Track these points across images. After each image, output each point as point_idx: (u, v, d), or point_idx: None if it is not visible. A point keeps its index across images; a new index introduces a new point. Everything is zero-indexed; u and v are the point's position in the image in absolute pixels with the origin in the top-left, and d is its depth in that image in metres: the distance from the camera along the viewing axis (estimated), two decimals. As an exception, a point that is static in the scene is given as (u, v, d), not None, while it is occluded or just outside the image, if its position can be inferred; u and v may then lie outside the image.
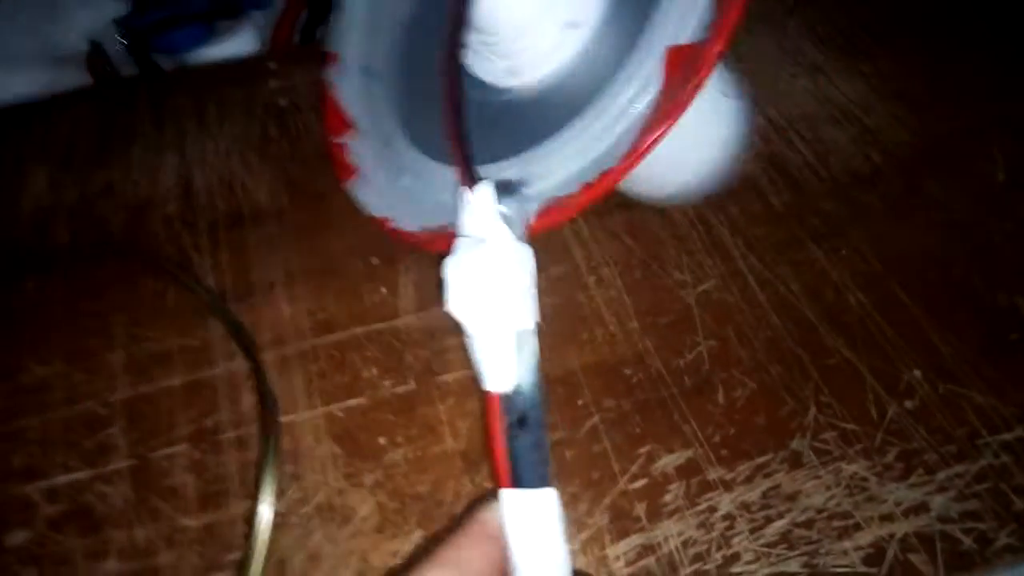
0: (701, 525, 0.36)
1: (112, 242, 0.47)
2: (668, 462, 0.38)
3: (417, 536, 0.36)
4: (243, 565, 0.34)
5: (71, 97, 0.57)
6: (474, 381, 0.40)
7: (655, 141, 0.32)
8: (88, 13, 0.72)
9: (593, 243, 0.46)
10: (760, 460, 0.37)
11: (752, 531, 0.35)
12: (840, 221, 0.47)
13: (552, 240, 0.46)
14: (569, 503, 0.36)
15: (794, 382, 0.40)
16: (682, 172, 0.43)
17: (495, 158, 0.37)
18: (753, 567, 0.34)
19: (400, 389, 0.40)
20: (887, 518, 0.36)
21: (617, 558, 0.35)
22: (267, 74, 0.58)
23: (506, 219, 0.28)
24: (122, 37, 0.68)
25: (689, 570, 0.34)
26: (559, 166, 0.35)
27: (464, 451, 0.38)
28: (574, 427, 0.39)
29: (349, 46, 0.46)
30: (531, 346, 0.28)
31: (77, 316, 0.43)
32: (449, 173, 0.38)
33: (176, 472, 0.38)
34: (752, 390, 0.40)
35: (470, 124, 0.32)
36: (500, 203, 0.28)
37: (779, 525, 0.36)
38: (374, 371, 0.41)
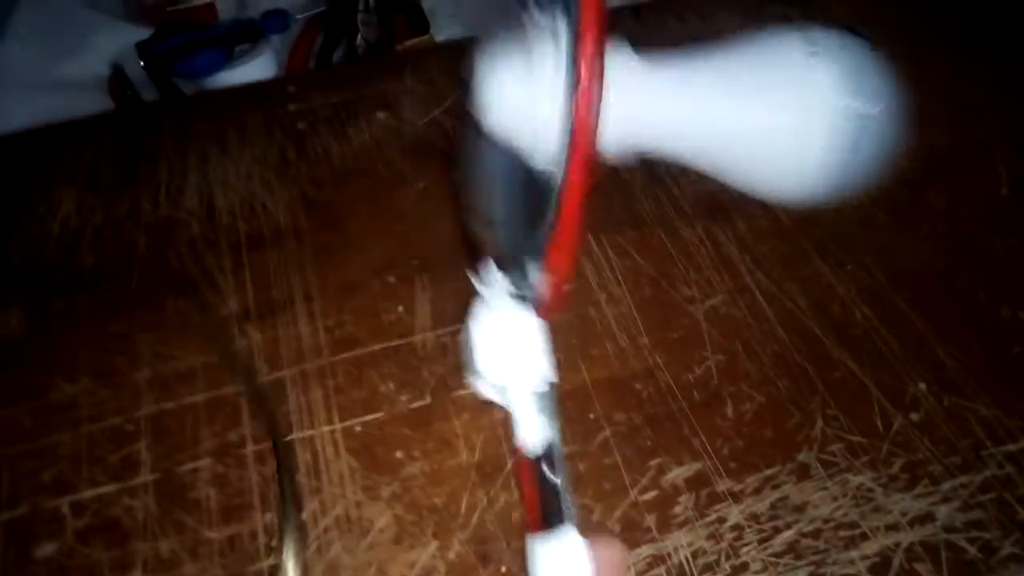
0: (710, 536, 0.36)
1: (137, 263, 0.48)
2: (678, 474, 0.38)
3: (433, 547, 0.37)
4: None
5: (97, 122, 0.59)
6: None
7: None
8: (110, 38, 0.74)
9: (603, 260, 0.47)
10: (768, 472, 0.38)
11: (760, 541, 0.36)
12: (846, 236, 0.47)
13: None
14: (581, 514, 0.37)
15: (801, 395, 0.41)
16: (783, 177, 0.39)
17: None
18: (761, 576, 0.35)
19: (416, 404, 0.42)
20: (893, 528, 0.36)
21: (628, 568, 0.36)
22: (285, 97, 0.60)
23: (517, 296, 0.34)
24: (143, 62, 0.70)
25: (688, 581, 0.35)
26: None
27: (479, 464, 0.39)
28: (586, 440, 0.40)
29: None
30: (549, 403, 0.31)
31: (103, 336, 0.45)
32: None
33: (199, 486, 0.39)
34: (760, 403, 0.41)
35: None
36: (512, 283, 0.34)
37: (787, 535, 0.36)
38: (391, 386, 0.42)
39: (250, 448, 0.40)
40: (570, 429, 0.40)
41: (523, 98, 0.32)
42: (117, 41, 0.73)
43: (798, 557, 0.36)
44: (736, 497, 0.38)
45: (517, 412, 0.35)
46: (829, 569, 0.35)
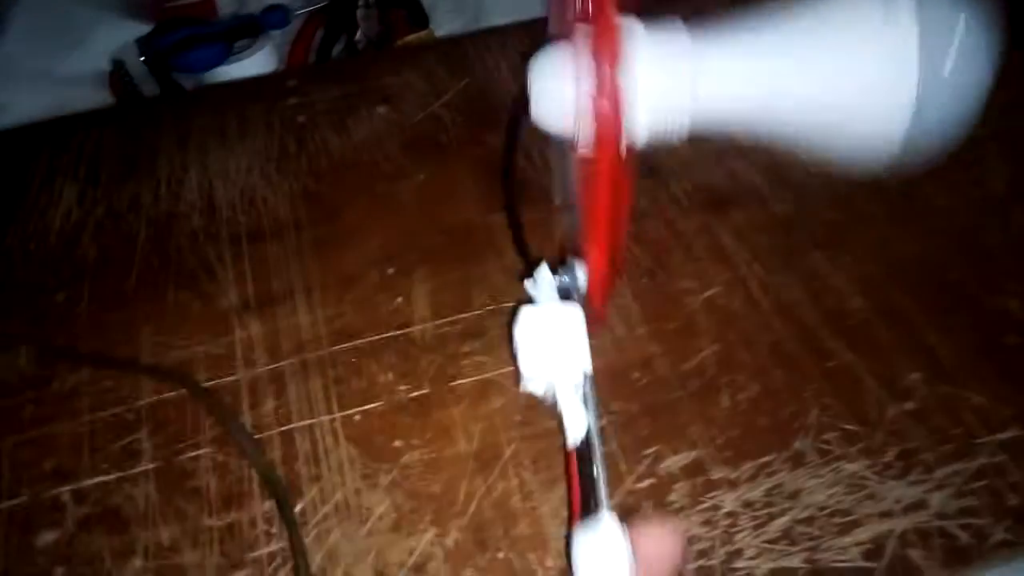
0: (706, 523, 0.37)
1: (138, 255, 0.49)
2: (674, 462, 0.39)
3: (431, 534, 0.37)
4: None
5: (98, 115, 0.60)
6: (485, 386, 0.42)
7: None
8: (110, 34, 0.74)
9: (601, 252, 0.47)
10: (763, 460, 0.39)
11: (755, 528, 0.37)
12: (841, 228, 0.48)
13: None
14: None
15: (796, 384, 0.41)
16: (860, 143, 0.34)
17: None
18: (755, 563, 0.35)
19: (415, 393, 0.42)
20: (887, 515, 0.37)
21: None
22: (286, 91, 0.60)
23: (562, 289, 0.35)
24: (144, 57, 0.70)
25: (694, 566, 0.36)
26: None
27: (476, 452, 0.39)
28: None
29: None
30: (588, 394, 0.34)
31: (105, 326, 0.45)
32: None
33: (200, 474, 0.39)
34: (756, 392, 0.41)
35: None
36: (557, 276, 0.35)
37: (781, 522, 0.37)
38: (390, 376, 0.43)
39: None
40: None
41: (565, 88, 0.32)
42: (118, 36, 0.74)
43: (792, 543, 0.36)
44: (731, 484, 0.38)
45: (561, 404, 0.35)
46: (823, 555, 0.36)
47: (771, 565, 0.35)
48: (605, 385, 0.41)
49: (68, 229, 0.50)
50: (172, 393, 0.42)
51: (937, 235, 0.47)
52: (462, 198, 0.51)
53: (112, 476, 0.40)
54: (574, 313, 0.35)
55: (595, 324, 0.36)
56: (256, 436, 0.40)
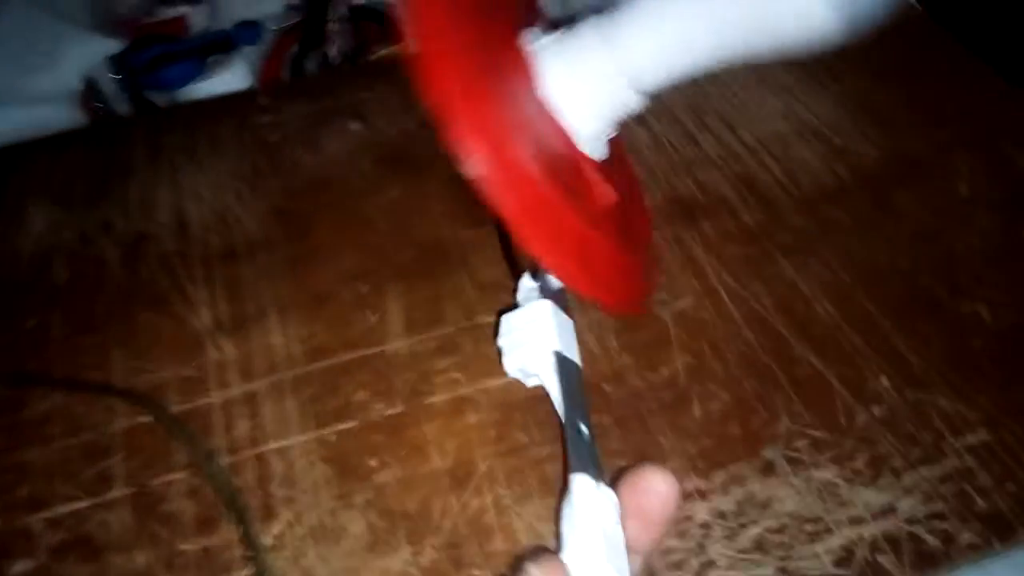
0: (679, 534, 0.37)
1: (109, 278, 0.48)
2: (647, 474, 0.39)
3: (407, 553, 0.37)
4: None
5: (68, 136, 0.59)
6: (459, 403, 0.42)
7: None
8: (82, 51, 0.74)
9: (572, 265, 0.47)
10: (734, 470, 0.39)
11: (727, 538, 0.37)
12: (809, 236, 0.48)
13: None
14: (552, 517, 0.38)
15: (767, 393, 0.42)
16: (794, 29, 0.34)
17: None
18: (728, 573, 0.36)
19: (389, 412, 0.42)
20: (856, 521, 0.37)
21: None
22: (257, 109, 0.60)
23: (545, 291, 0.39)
24: (116, 75, 0.70)
25: (668, 577, 0.36)
26: None
27: (451, 469, 0.40)
28: (556, 442, 0.40)
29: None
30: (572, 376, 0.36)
31: (77, 350, 0.45)
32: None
33: (174, 498, 0.39)
34: (726, 402, 0.41)
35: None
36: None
37: (753, 532, 0.37)
38: (364, 395, 0.43)
39: (225, 459, 0.40)
40: (540, 433, 0.40)
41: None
42: (89, 54, 0.73)
43: (764, 553, 0.36)
44: (703, 495, 0.38)
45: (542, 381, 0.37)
46: (795, 563, 0.36)
47: (742, 574, 0.36)
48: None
49: (38, 253, 0.50)
50: (145, 418, 0.42)
51: (905, 241, 0.48)
52: (436, 214, 0.51)
53: (86, 502, 0.39)
54: (542, 305, 0.38)
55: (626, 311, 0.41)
56: (231, 459, 0.40)
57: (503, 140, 0.31)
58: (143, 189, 0.54)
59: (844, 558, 0.36)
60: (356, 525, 0.38)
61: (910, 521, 0.37)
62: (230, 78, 0.73)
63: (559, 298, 0.39)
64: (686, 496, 0.38)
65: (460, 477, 0.39)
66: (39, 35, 0.75)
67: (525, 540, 0.37)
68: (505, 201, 0.31)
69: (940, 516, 0.37)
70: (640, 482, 0.31)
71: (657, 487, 0.30)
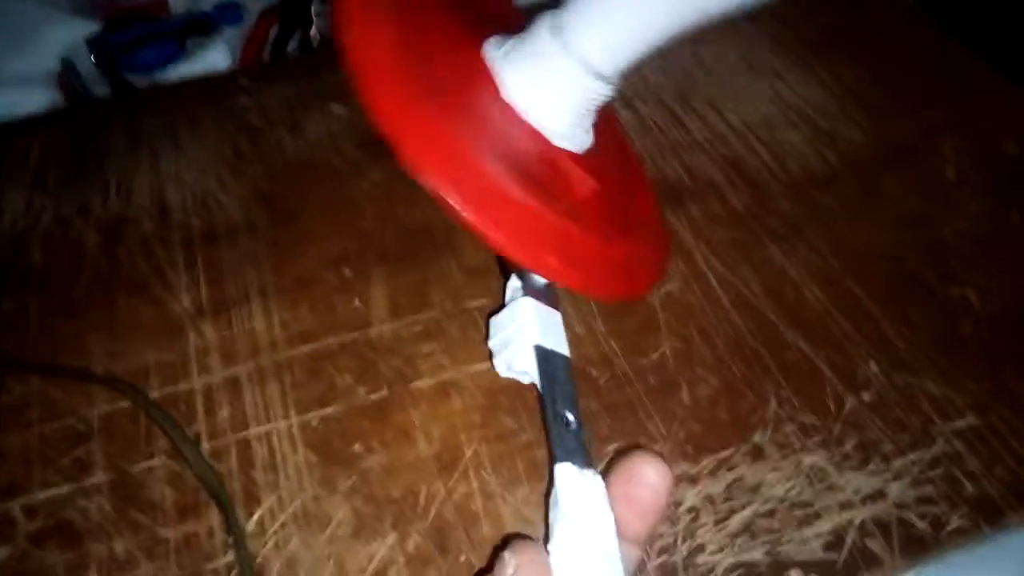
0: (667, 518, 0.37)
1: (88, 262, 0.47)
2: (635, 459, 0.39)
3: (392, 539, 0.36)
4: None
5: (45, 118, 0.58)
6: (445, 387, 0.41)
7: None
8: (59, 32, 0.72)
9: (560, 249, 0.47)
10: (723, 454, 0.39)
11: (716, 523, 0.37)
12: (798, 220, 0.48)
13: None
14: (540, 502, 0.37)
15: (755, 378, 0.41)
16: None
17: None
18: (717, 557, 0.36)
19: (374, 396, 0.41)
20: (846, 506, 0.37)
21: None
22: (238, 91, 0.59)
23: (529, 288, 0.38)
24: (94, 56, 0.69)
25: (656, 562, 0.36)
26: None
27: (437, 454, 0.39)
28: (544, 428, 0.40)
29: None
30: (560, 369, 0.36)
31: (54, 334, 0.44)
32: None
33: (154, 484, 0.38)
34: (715, 387, 0.41)
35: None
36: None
37: (742, 516, 0.37)
38: (348, 379, 0.42)
39: (206, 444, 0.40)
40: (527, 417, 0.40)
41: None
42: (67, 35, 0.72)
43: (753, 537, 0.36)
44: (692, 480, 0.38)
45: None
46: (784, 548, 0.36)
47: (733, 559, 0.36)
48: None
49: (15, 236, 0.49)
50: (125, 403, 0.41)
51: (893, 226, 0.48)
52: (419, 197, 0.50)
53: (64, 489, 0.39)
54: (524, 303, 0.37)
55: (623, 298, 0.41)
56: (212, 444, 0.40)
57: (457, 155, 0.33)
58: (122, 172, 0.53)
59: (833, 542, 0.36)
60: (340, 511, 0.37)
61: (899, 506, 0.37)
62: (210, 59, 0.72)
63: (546, 293, 0.39)
64: (675, 480, 0.38)
65: (446, 462, 0.39)
66: (14, 16, 0.73)
67: (512, 526, 0.37)
68: (469, 213, 0.32)
69: (929, 500, 0.37)
70: (632, 471, 0.30)
71: (649, 478, 0.30)
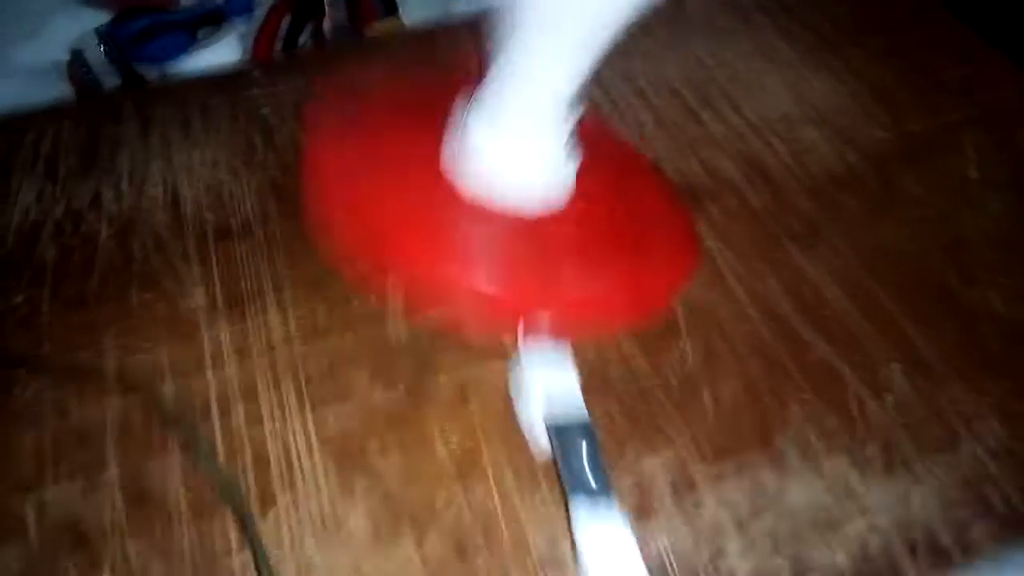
0: (687, 522, 0.36)
1: (100, 255, 0.47)
2: (654, 462, 0.38)
3: (408, 542, 0.36)
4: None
5: (56, 109, 0.57)
6: (463, 386, 0.41)
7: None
8: (69, 23, 0.72)
9: (577, 246, 0.46)
10: (744, 458, 0.38)
11: (737, 527, 0.36)
12: (817, 219, 0.47)
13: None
14: (557, 502, 0.37)
15: (775, 380, 0.41)
16: None
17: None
18: (738, 562, 0.35)
19: (390, 395, 0.41)
20: (867, 511, 0.36)
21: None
22: (250, 82, 0.58)
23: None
24: (104, 47, 0.68)
25: (676, 567, 0.35)
26: None
27: (454, 455, 0.39)
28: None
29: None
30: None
31: (67, 329, 0.44)
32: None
33: (168, 483, 0.38)
34: (735, 389, 0.41)
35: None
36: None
37: (763, 521, 0.36)
38: (364, 377, 0.42)
39: (220, 442, 0.39)
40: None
41: None
42: (76, 26, 0.71)
43: (775, 542, 0.36)
44: (713, 484, 0.38)
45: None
46: (805, 553, 0.35)
47: (753, 564, 0.35)
48: (583, 385, 0.41)
49: (27, 229, 0.49)
50: (138, 401, 0.41)
51: (913, 225, 0.47)
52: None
53: (77, 486, 0.38)
54: (529, 375, 0.39)
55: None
56: (226, 442, 0.39)
57: (423, 267, 0.39)
58: (133, 164, 0.53)
59: (856, 549, 0.35)
60: (357, 513, 0.37)
61: (923, 512, 0.36)
62: (221, 51, 0.71)
63: (554, 356, 0.40)
64: (696, 484, 0.37)
65: (463, 464, 0.38)
66: (23, 6, 0.73)
67: (530, 530, 0.36)
68: (448, 309, 0.38)
69: (953, 507, 0.36)
70: None
71: None
